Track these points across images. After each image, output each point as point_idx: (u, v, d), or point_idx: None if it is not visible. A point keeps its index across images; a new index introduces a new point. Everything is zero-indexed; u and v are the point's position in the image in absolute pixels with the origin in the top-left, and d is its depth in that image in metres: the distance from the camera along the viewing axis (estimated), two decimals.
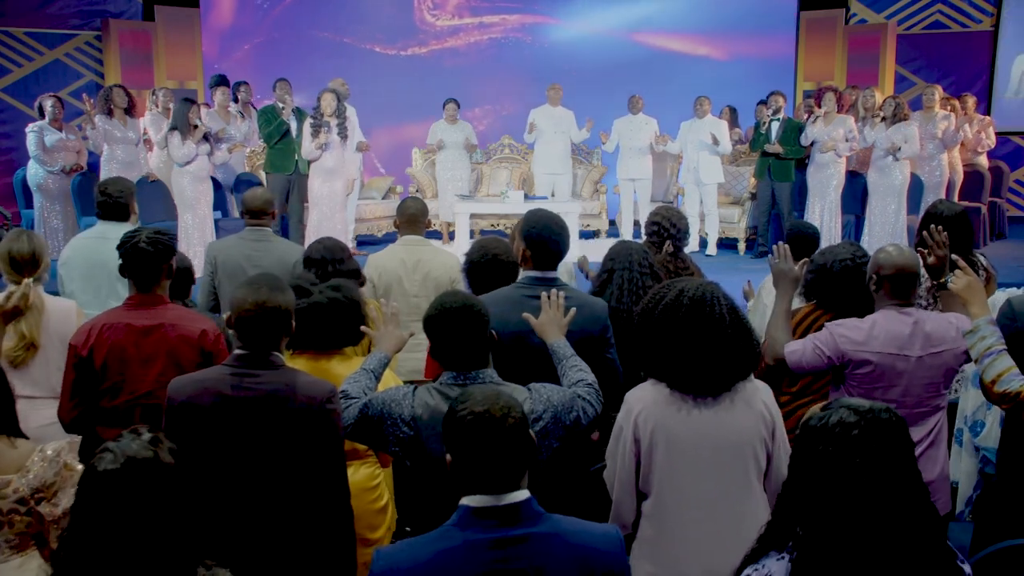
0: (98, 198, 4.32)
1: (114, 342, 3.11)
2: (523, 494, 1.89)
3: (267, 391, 2.50)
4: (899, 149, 8.47)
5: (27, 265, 3.54)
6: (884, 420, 1.69)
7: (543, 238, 3.20)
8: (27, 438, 2.46)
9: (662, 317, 2.44)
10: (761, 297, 4.38)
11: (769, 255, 3.40)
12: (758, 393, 2.49)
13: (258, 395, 2.49)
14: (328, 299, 3.04)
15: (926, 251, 3.35)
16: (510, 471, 1.88)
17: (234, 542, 2.45)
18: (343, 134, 8.22)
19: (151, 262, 3.18)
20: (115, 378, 3.12)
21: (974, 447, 3.74)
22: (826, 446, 1.68)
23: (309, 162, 8.41)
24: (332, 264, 3.79)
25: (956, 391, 4.06)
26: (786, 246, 3.36)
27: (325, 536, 2.56)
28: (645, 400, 2.46)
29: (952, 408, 3.75)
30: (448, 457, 1.92)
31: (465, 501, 1.89)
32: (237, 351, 2.56)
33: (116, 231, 4.10)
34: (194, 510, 1.77)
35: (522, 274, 3.28)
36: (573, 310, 2.98)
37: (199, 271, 8.03)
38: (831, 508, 1.66)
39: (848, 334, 3.00)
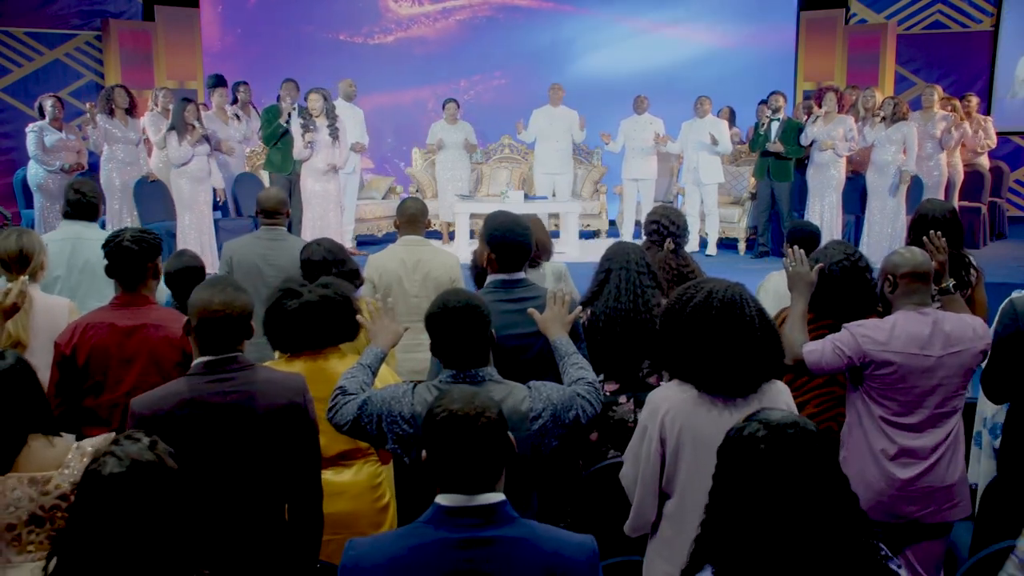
0: (71, 196, 4.31)
1: (97, 341, 3.11)
2: (496, 496, 1.89)
3: (251, 392, 2.48)
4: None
5: (15, 264, 3.55)
6: (790, 435, 1.66)
7: (506, 240, 3.19)
8: (60, 435, 2.47)
9: (691, 318, 2.43)
10: (759, 297, 4.38)
11: (784, 259, 3.39)
12: (781, 395, 2.49)
13: (242, 397, 2.47)
14: (320, 297, 3.04)
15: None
16: (482, 471, 1.88)
17: (218, 545, 2.44)
18: (334, 134, 8.19)
19: (136, 261, 3.18)
20: (97, 377, 3.12)
21: (992, 449, 3.73)
22: (735, 458, 1.68)
23: (301, 162, 8.39)
24: (335, 265, 3.79)
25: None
26: (801, 250, 3.34)
27: (294, 534, 2.56)
28: (672, 400, 2.45)
29: (971, 410, 3.75)
30: (423, 453, 1.93)
31: (439, 499, 1.90)
32: (203, 359, 2.50)
33: (91, 231, 4.11)
34: (195, 512, 1.77)
35: (489, 278, 3.26)
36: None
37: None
38: (745, 523, 1.65)
39: (870, 334, 2.99)
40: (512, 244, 3.19)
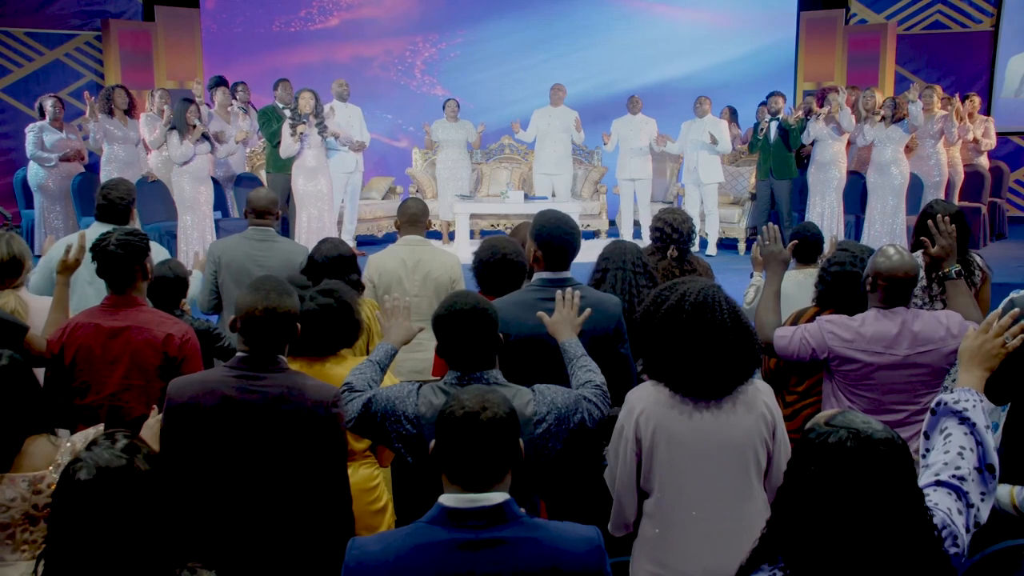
0: (99, 200, 4.28)
1: (82, 342, 3.12)
2: (501, 496, 1.90)
3: (273, 394, 2.49)
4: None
5: (6, 270, 3.52)
6: (882, 452, 1.63)
7: (554, 238, 3.18)
8: (57, 435, 2.48)
9: (664, 321, 2.43)
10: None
11: (759, 236, 3.45)
12: (759, 395, 2.48)
13: (263, 398, 2.48)
14: (319, 306, 3.02)
15: (928, 239, 3.34)
16: (487, 469, 1.89)
17: (234, 545, 2.45)
18: (322, 133, 8.21)
19: (121, 264, 3.17)
20: (83, 377, 3.13)
21: None
22: (817, 465, 1.65)
23: (291, 160, 8.39)
24: (345, 270, 3.75)
25: None
26: (775, 227, 3.46)
27: (325, 539, 2.55)
28: (647, 400, 2.46)
29: None
30: (431, 444, 1.94)
31: (442, 500, 1.90)
32: (240, 353, 2.54)
33: None
34: (175, 512, 1.77)
35: (535, 276, 3.26)
36: (588, 310, 2.98)
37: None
38: (818, 524, 1.63)
39: (837, 331, 3.06)
40: (560, 243, 3.19)
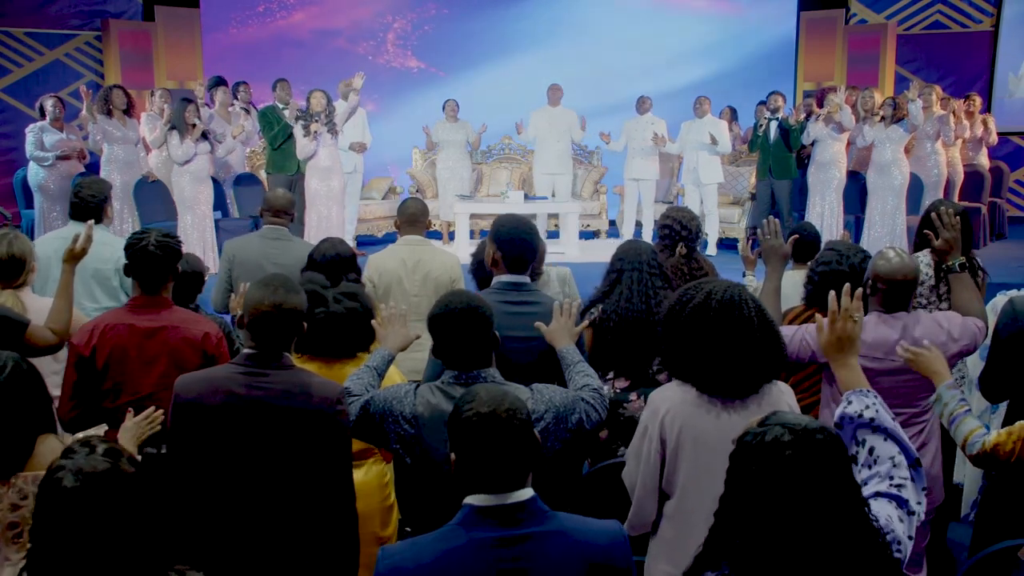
0: (71, 199, 4.31)
1: (116, 343, 3.11)
2: (527, 493, 1.90)
3: (279, 391, 2.49)
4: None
5: (5, 270, 3.51)
6: (819, 440, 1.65)
7: (515, 243, 3.20)
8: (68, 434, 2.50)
9: (690, 319, 2.42)
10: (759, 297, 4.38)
11: (759, 229, 3.44)
12: (783, 396, 2.48)
13: (270, 395, 2.48)
14: (346, 309, 3.04)
15: (932, 233, 3.33)
16: (515, 471, 1.88)
17: (239, 541, 2.46)
18: (332, 130, 8.25)
19: (158, 265, 3.19)
20: (116, 379, 3.12)
21: None
22: (759, 465, 1.66)
23: (305, 162, 8.41)
24: (344, 270, 3.76)
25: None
26: (776, 220, 3.47)
27: (330, 537, 2.55)
28: (672, 400, 2.45)
29: None
30: (452, 456, 1.92)
31: (469, 500, 1.89)
32: (247, 350, 2.54)
33: (94, 233, 4.07)
34: (163, 515, 1.76)
35: (495, 279, 3.27)
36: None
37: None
38: (765, 527, 1.63)
39: None
40: (520, 246, 3.20)
